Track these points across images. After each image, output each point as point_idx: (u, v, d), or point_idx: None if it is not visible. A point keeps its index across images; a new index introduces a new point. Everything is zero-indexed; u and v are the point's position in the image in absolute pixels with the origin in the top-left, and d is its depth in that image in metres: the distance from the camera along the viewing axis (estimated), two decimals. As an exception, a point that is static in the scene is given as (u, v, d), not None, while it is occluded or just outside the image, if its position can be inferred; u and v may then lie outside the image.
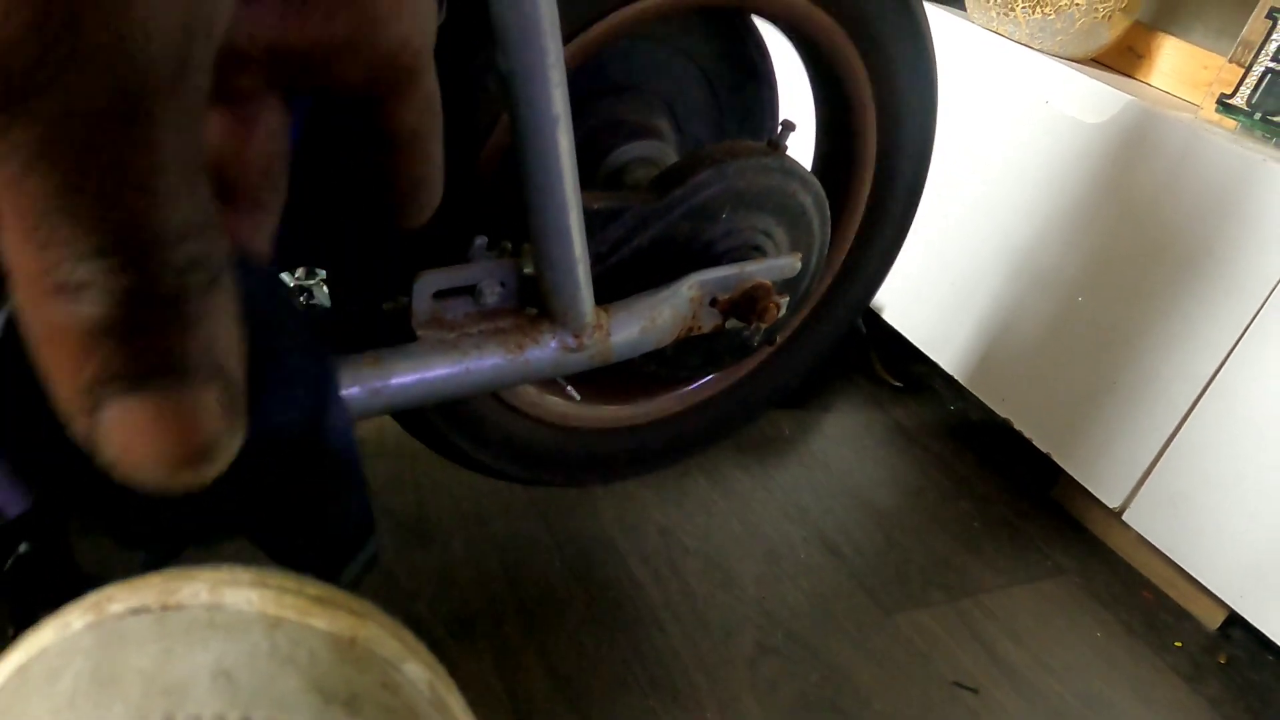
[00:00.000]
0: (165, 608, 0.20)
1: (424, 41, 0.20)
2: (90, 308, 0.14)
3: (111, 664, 0.19)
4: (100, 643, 0.20)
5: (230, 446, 0.17)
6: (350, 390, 0.59)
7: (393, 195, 0.23)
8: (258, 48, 0.18)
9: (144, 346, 0.15)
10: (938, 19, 1.39)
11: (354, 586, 0.24)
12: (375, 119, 0.21)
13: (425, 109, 0.22)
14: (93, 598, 0.21)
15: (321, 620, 0.21)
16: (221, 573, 0.21)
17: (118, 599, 0.21)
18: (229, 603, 0.21)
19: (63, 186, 0.13)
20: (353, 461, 0.23)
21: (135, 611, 0.20)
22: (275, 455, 0.21)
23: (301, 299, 1.18)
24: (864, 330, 1.51)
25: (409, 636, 0.24)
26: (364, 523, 0.25)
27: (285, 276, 1.18)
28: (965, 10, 1.43)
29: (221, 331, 0.16)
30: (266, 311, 0.20)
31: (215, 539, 0.22)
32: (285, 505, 0.22)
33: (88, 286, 0.14)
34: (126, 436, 0.15)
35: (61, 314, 0.14)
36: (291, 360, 0.21)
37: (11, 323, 0.17)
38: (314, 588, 0.22)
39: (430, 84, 0.21)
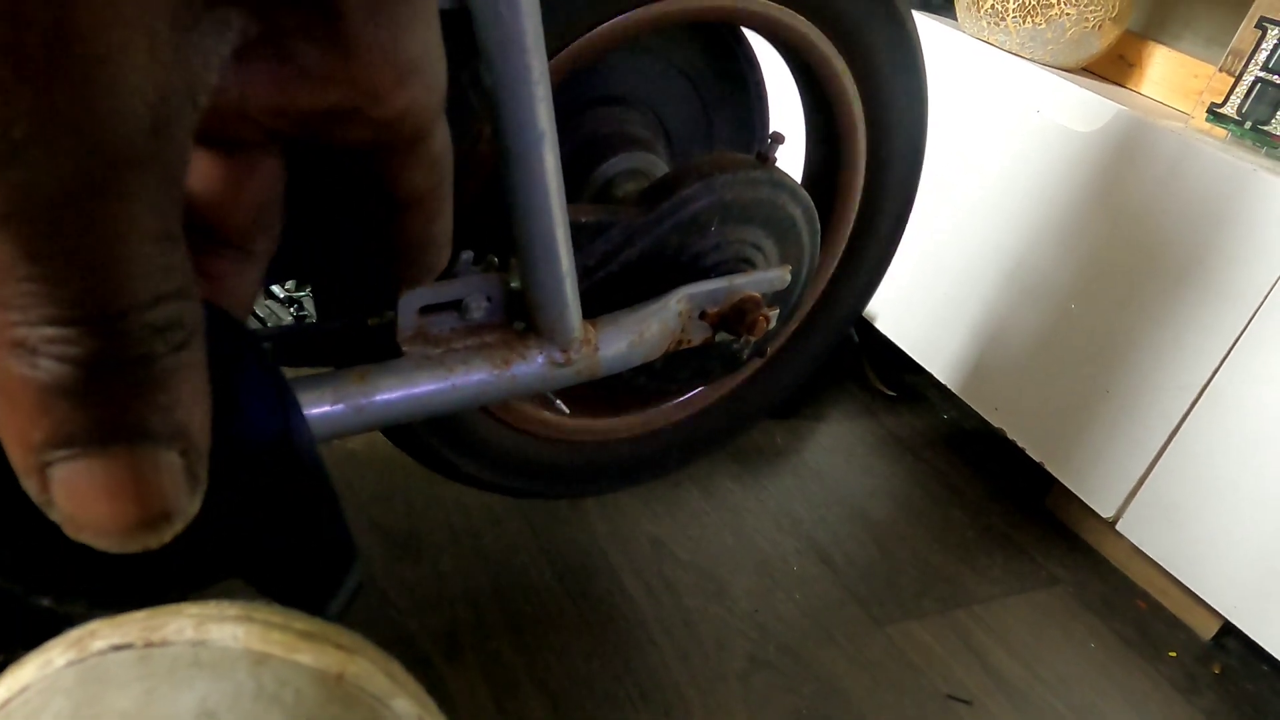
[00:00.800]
0: (149, 644, 0.20)
1: (430, 106, 0.19)
2: (45, 370, 0.14)
3: (92, 704, 0.19)
4: (82, 681, 0.19)
5: (189, 509, 0.16)
6: (335, 407, 0.58)
7: (397, 253, 0.22)
8: (251, 110, 0.18)
9: (102, 410, 0.14)
10: (929, 29, 1.39)
11: (341, 617, 0.24)
12: (379, 178, 0.20)
13: (432, 169, 0.21)
14: (76, 633, 0.20)
15: (308, 656, 0.21)
16: (208, 608, 0.21)
17: (101, 635, 0.20)
18: (214, 639, 0.20)
19: (23, 253, 0.13)
20: (324, 487, 0.23)
21: (118, 648, 0.20)
22: (243, 488, 0.21)
23: (291, 310, 1.18)
24: (857, 339, 1.51)
25: (398, 670, 0.23)
26: (345, 551, 0.24)
27: (275, 288, 1.17)
28: (956, 20, 1.43)
29: (186, 393, 0.15)
30: (221, 345, 0.20)
31: (195, 585, 0.22)
32: (262, 538, 0.22)
33: (45, 349, 0.14)
34: (80, 499, 0.15)
35: (15, 371, 0.14)
36: (249, 389, 0.21)
37: None
38: (301, 622, 0.22)
39: (438, 145, 0.20)
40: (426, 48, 0.18)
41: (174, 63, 0.14)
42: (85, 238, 0.13)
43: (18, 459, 0.15)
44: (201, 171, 0.20)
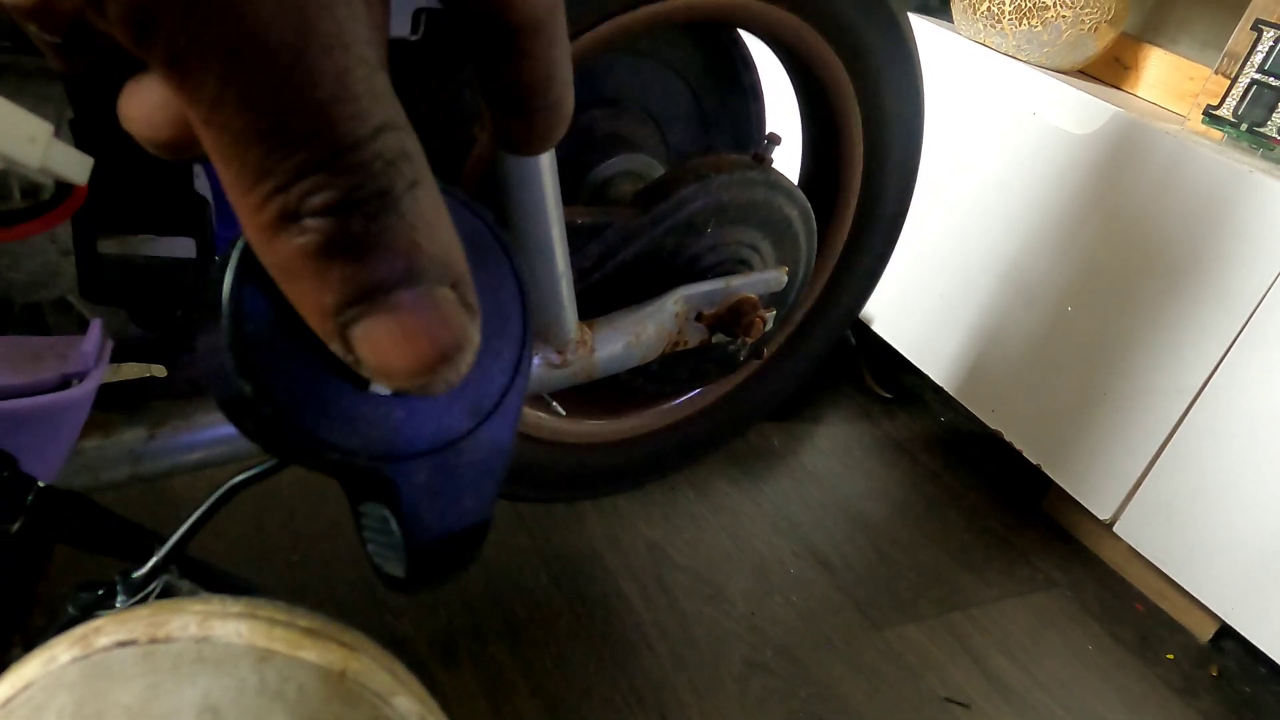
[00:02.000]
0: (154, 640, 0.20)
1: None
2: (313, 229, 0.15)
3: (96, 700, 0.19)
4: (86, 677, 0.19)
5: (475, 337, 0.17)
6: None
7: (520, 101, 0.22)
8: None
9: (375, 260, 0.15)
10: (925, 31, 1.39)
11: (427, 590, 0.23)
12: (494, 7, 0.20)
13: None
14: (80, 630, 0.20)
15: (312, 653, 0.21)
16: (212, 604, 0.21)
17: (106, 631, 0.20)
18: (218, 635, 0.20)
19: (255, 105, 0.14)
20: (508, 451, 0.22)
21: (123, 644, 0.20)
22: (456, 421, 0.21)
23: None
24: (854, 342, 1.51)
25: (400, 668, 0.23)
26: (485, 522, 0.23)
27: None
28: (952, 22, 1.43)
29: (438, 228, 0.16)
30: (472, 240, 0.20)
31: (371, 484, 0.21)
32: (444, 480, 0.21)
33: (304, 206, 0.14)
34: (382, 350, 0.16)
35: (290, 247, 0.15)
36: (500, 301, 0.21)
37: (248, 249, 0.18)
38: (305, 619, 0.22)
39: None
40: None
41: None
42: (301, 67, 0.14)
43: (319, 326, 0.16)
44: None
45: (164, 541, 0.29)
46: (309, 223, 0.15)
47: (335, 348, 0.16)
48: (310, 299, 0.15)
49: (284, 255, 0.15)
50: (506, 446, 0.22)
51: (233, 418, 0.19)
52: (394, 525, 0.21)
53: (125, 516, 0.45)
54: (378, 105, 0.15)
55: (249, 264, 0.18)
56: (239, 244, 0.18)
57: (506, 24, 0.20)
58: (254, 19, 0.14)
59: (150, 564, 0.29)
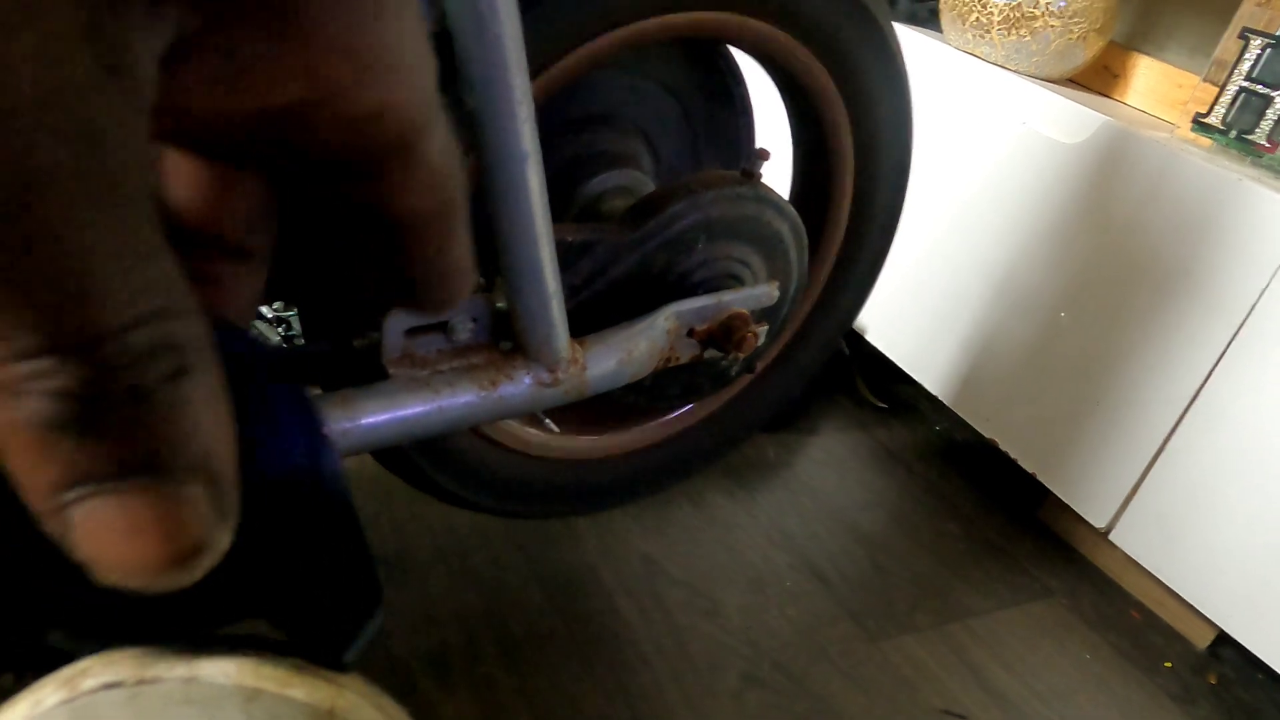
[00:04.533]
0: (141, 681, 0.20)
1: (415, 107, 0.17)
2: (37, 407, 0.13)
3: None
4: None
5: (220, 542, 0.15)
6: (319, 431, 0.58)
7: (406, 287, 0.20)
8: (201, 114, 0.16)
9: (110, 443, 0.13)
10: (914, 42, 1.39)
11: (359, 662, 0.23)
12: (373, 200, 0.18)
13: (432, 187, 0.18)
14: (67, 672, 0.20)
15: (300, 691, 0.21)
16: (201, 643, 0.21)
17: (92, 673, 0.20)
18: (205, 675, 0.20)
19: None
20: (351, 522, 0.22)
21: (109, 686, 0.20)
22: (266, 523, 0.20)
23: (279, 330, 1.17)
24: (848, 352, 1.51)
25: (388, 703, 0.23)
26: (370, 595, 0.23)
27: (262, 309, 1.17)
28: (941, 33, 1.44)
29: (203, 419, 0.14)
30: (241, 368, 0.19)
31: (212, 626, 0.21)
32: (284, 578, 0.21)
33: (30, 386, 0.13)
34: (101, 540, 0.14)
35: (8, 415, 0.13)
36: (274, 414, 0.20)
37: None
38: (294, 656, 0.22)
39: (435, 156, 0.18)
40: (399, 40, 0.16)
41: (88, 56, 0.12)
42: (32, 258, 0.12)
43: (35, 503, 0.14)
44: (187, 174, 0.19)
45: None
46: (29, 402, 0.13)
47: (51, 529, 0.14)
48: (27, 469, 0.13)
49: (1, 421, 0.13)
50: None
51: None
52: None
53: None
54: (141, 297, 0.13)
55: None
56: None
57: (388, 221, 0.19)
58: None
59: None
